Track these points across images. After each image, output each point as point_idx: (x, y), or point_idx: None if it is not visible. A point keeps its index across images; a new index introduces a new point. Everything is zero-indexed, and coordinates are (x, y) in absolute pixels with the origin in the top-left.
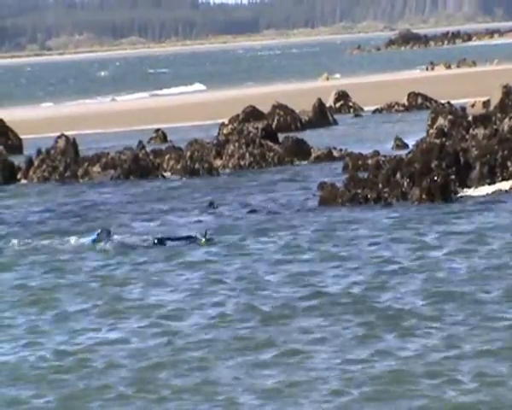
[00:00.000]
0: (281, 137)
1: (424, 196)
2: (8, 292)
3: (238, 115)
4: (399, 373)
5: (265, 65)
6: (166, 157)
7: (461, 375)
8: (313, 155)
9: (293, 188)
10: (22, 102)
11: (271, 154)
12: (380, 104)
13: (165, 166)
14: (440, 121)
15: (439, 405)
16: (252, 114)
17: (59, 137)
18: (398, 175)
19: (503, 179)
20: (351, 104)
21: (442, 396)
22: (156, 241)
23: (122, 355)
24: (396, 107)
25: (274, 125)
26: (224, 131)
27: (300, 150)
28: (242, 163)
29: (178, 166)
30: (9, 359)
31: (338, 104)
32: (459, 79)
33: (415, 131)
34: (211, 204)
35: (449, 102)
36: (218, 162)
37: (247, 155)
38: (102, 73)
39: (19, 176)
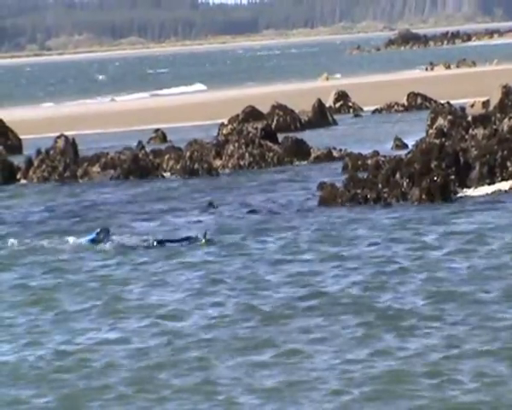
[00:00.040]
0: (280, 137)
1: (424, 196)
2: (7, 292)
3: (238, 115)
4: (399, 373)
5: (265, 65)
6: (166, 157)
7: (461, 375)
8: (313, 156)
9: (293, 188)
10: (22, 102)
11: (271, 154)
12: (379, 104)
13: (164, 166)
14: (440, 121)
15: (438, 405)
16: (251, 114)
17: (58, 137)
18: (397, 175)
19: (503, 179)
20: (350, 104)
21: (442, 396)
22: (156, 242)
23: (122, 355)
24: (396, 107)
25: (273, 126)
26: (224, 132)
27: (300, 150)
28: (242, 163)
29: (178, 167)
30: (9, 359)
31: (337, 104)
32: (459, 79)
33: (414, 132)
34: (210, 204)
35: (448, 103)
36: (217, 162)
37: (247, 155)
38: (100, 77)
39: (18, 176)
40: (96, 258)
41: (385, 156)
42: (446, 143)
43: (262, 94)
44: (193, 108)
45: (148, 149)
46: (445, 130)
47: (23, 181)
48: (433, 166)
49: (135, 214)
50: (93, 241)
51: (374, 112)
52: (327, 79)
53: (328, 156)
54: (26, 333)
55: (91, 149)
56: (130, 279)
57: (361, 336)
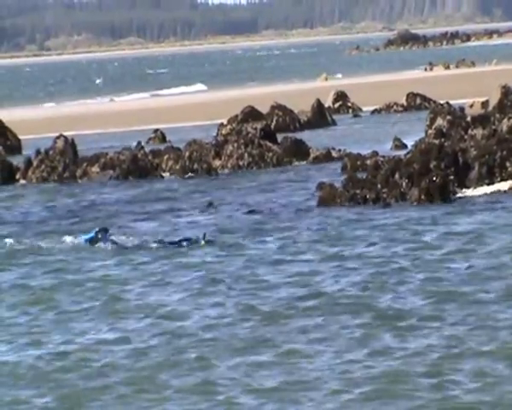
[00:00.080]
0: (279, 137)
1: (423, 197)
2: (7, 292)
3: (237, 116)
4: (399, 373)
5: (264, 65)
6: (165, 157)
7: (460, 375)
8: (312, 156)
9: (292, 188)
10: (22, 102)
11: (270, 154)
12: (378, 104)
13: (163, 166)
14: (439, 122)
15: (438, 405)
16: (250, 114)
17: (57, 137)
18: (396, 175)
19: (502, 180)
20: (349, 104)
21: (442, 396)
22: (155, 242)
23: (122, 355)
24: (395, 107)
25: (273, 126)
26: (223, 132)
27: (299, 151)
28: (241, 163)
29: (177, 167)
30: (9, 359)
31: (337, 104)
32: (458, 79)
33: (413, 132)
34: (210, 204)
35: (448, 103)
36: (216, 163)
37: (246, 155)
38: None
39: (17, 176)
40: (96, 258)
41: (384, 157)
42: (445, 144)
43: (262, 94)
44: (193, 108)
45: (147, 149)
46: (445, 130)
47: (22, 181)
48: (432, 166)
49: (134, 214)
50: (91, 240)
51: (373, 112)
52: (326, 79)
53: (327, 156)
54: (26, 333)
55: (91, 149)
56: (130, 279)
57: (361, 336)
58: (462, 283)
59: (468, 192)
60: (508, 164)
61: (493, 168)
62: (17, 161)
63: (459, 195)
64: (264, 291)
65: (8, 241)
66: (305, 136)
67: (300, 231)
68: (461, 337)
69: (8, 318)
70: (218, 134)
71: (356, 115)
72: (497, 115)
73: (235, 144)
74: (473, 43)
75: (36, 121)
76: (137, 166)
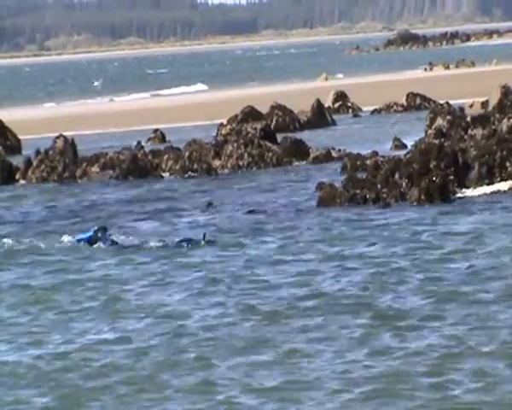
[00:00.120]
0: (279, 137)
1: (423, 197)
2: (6, 292)
3: (237, 116)
4: (399, 373)
5: (264, 65)
6: (165, 157)
7: (461, 374)
8: (312, 156)
9: (292, 188)
10: (22, 102)
11: (270, 154)
12: (378, 104)
13: (163, 166)
14: (439, 122)
15: (438, 405)
16: (250, 114)
17: (57, 137)
18: (396, 175)
19: (502, 180)
20: (349, 104)
21: (442, 396)
22: (155, 242)
23: (122, 355)
24: (395, 107)
25: (272, 126)
26: (223, 132)
27: (299, 151)
28: (241, 163)
29: (177, 167)
30: (9, 358)
31: (336, 104)
32: (458, 79)
33: (413, 132)
34: (209, 204)
35: (447, 103)
36: (216, 163)
37: (246, 155)
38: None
39: (17, 176)
40: (96, 258)
41: (384, 157)
42: (445, 144)
43: (263, 94)
44: (194, 108)
45: (147, 149)
46: (444, 130)
47: (22, 181)
48: (432, 166)
49: (134, 214)
50: (90, 239)
51: (373, 112)
52: (326, 79)
53: (327, 157)
54: (26, 333)
55: (91, 149)
56: (130, 279)
57: (361, 335)
58: (462, 283)
59: (468, 192)
60: (508, 164)
61: (493, 168)
62: (17, 161)
63: (459, 195)
64: (264, 291)
65: (8, 241)
66: (305, 136)
67: (300, 231)
68: (461, 337)
69: (8, 318)
70: (217, 134)
71: (356, 115)
72: (497, 115)
73: (235, 144)
74: (473, 43)
75: (36, 121)
76: (137, 166)
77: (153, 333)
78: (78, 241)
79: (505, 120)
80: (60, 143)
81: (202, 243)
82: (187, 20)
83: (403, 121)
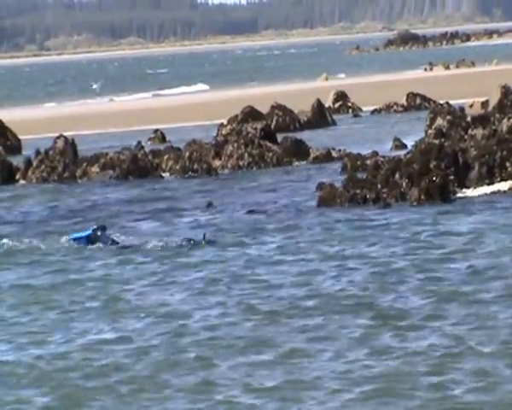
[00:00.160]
0: (279, 137)
1: (423, 197)
2: (6, 292)
3: (237, 116)
4: (400, 373)
5: (264, 65)
6: (165, 157)
7: (461, 374)
8: (312, 156)
9: (292, 188)
10: (22, 102)
11: (270, 154)
12: (378, 104)
13: (163, 166)
14: (439, 122)
15: (439, 404)
16: (250, 114)
17: (57, 137)
18: (396, 175)
19: (502, 180)
20: (349, 104)
21: (442, 396)
22: (154, 242)
23: (122, 355)
24: (395, 107)
25: (273, 126)
26: (223, 132)
27: (299, 151)
28: (241, 163)
29: (177, 167)
30: (10, 358)
31: (337, 104)
32: (458, 79)
33: (413, 132)
34: (209, 204)
35: (447, 103)
36: (216, 163)
37: (246, 155)
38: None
39: (17, 176)
40: (96, 257)
41: (384, 157)
42: (445, 144)
43: (263, 94)
44: (195, 108)
45: (147, 149)
46: (444, 130)
47: (22, 181)
48: (432, 166)
49: (134, 214)
50: (88, 238)
51: (373, 112)
52: (326, 79)
53: (327, 157)
54: (27, 333)
55: (92, 149)
56: (130, 279)
57: (361, 335)
58: (462, 282)
59: (468, 192)
60: (508, 164)
61: (493, 168)
62: (17, 161)
63: (459, 195)
64: (264, 291)
65: (9, 241)
66: (305, 136)
67: (301, 231)
68: (461, 337)
69: (8, 317)
70: (218, 134)
71: (356, 115)
72: (497, 115)
73: (235, 144)
74: (473, 43)
75: (36, 121)
76: (137, 166)
77: (153, 333)
78: (76, 239)
79: (505, 120)
80: (60, 143)
81: (202, 242)
82: (187, 20)
83: (403, 121)
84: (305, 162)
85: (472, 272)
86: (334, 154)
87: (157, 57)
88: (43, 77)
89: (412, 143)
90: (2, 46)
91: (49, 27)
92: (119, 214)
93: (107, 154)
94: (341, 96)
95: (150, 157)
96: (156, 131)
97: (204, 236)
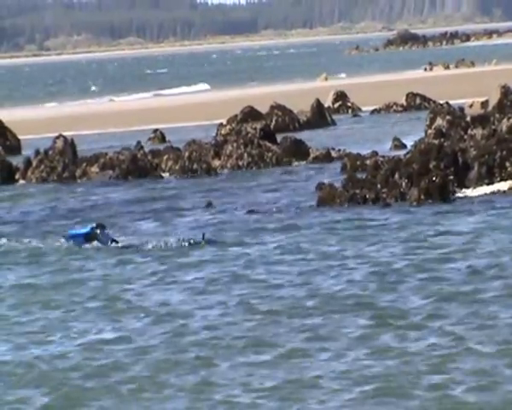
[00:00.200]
0: (279, 137)
1: (422, 197)
2: (7, 292)
3: (236, 116)
4: (400, 372)
5: (264, 65)
6: (165, 157)
7: (461, 374)
8: (311, 156)
9: (292, 188)
10: (22, 102)
11: (270, 154)
12: (378, 104)
13: (163, 166)
14: (439, 122)
15: (439, 404)
16: (250, 114)
17: (57, 137)
18: (396, 175)
19: (502, 180)
20: (349, 104)
21: (442, 395)
22: (154, 242)
23: (122, 355)
24: (394, 107)
25: (272, 126)
26: (223, 132)
27: (299, 151)
28: (241, 163)
29: (177, 167)
30: (10, 358)
31: (336, 104)
32: (457, 79)
33: (413, 132)
34: (209, 204)
35: (447, 103)
36: (216, 163)
37: (246, 155)
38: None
39: (17, 176)
40: (96, 257)
41: (384, 157)
42: (445, 144)
43: (263, 94)
44: (195, 108)
45: (146, 149)
46: (444, 130)
47: (22, 181)
48: (431, 166)
49: (134, 214)
50: (86, 235)
51: (372, 112)
52: (326, 79)
53: (326, 157)
54: (27, 332)
55: (91, 149)
56: (130, 279)
57: (361, 335)
58: (462, 282)
59: (468, 192)
60: (507, 164)
61: (493, 168)
62: (17, 161)
63: (459, 195)
64: (264, 291)
65: (8, 241)
66: (305, 136)
67: (300, 231)
68: (461, 337)
69: (8, 317)
70: (217, 134)
71: (355, 115)
72: (497, 115)
73: (235, 144)
74: (472, 43)
75: (36, 121)
76: (137, 166)
77: (153, 333)
78: (73, 236)
79: (505, 120)
80: (59, 143)
81: (202, 242)
82: (186, 20)
83: (402, 121)
84: (304, 162)
85: (472, 271)
86: (333, 154)
87: (156, 57)
88: (42, 77)
89: (412, 143)
90: (1, 46)
91: (48, 27)
92: (118, 214)
93: (106, 154)
94: (341, 96)
95: (150, 157)
96: (156, 131)
97: (203, 235)
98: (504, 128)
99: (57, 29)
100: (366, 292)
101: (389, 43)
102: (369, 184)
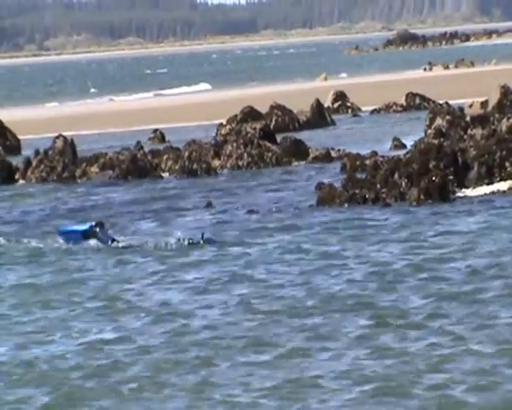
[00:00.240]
0: (279, 137)
1: (422, 197)
2: (7, 292)
3: (236, 116)
4: (400, 372)
5: (264, 65)
6: (164, 157)
7: (461, 374)
8: (311, 156)
9: (292, 188)
10: (22, 102)
11: (269, 154)
12: (378, 104)
13: (163, 166)
14: (438, 122)
15: (439, 403)
16: (250, 114)
17: (57, 137)
18: (396, 175)
19: (501, 180)
20: (349, 104)
21: (442, 395)
22: (154, 242)
23: (123, 355)
24: (394, 107)
25: (272, 126)
26: (222, 132)
27: (298, 151)
28: (240, 163)
29: (176, 167)
30: (10, 358)
31: (336, 104)
32: (457, 79)
33: (413, 132)
34: (209, 204)
35: (447, 103)
36: (216, 163)
37: (245, 155)
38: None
39: (17, 176)
40: (96, 257)
41: (383, 156)
42: (445, 144)
43: (262, 94)
44: (195, 108)
45: (146, 149)
46: (444, 130)
47: (21, 181)
48: (431, 166)
49: (134, 214)
50: (85, 232)
51: (372, 112)
52: (325, 79)
53: (326, 156)
54: (26, 332)
55: (91, 149)
56: (130, 279)
57: (361, 335)
58: (462, 282)
59: (468, 192)
60: (507, 164)
61: (492, 168)
62: (16, 161)
63: (458, 195)
64: (264, 291)
65: (8, 241)
66: (305, 136)
67: (300, 231)
68: (461, 336)
69: (8, 317)
70: (217, 134)
71: (355, 115)
72: (497, 115)
73: (235, 144)
74: (472, 43)
75: (36, 121)
76: (137, 166)
77: (153, 332)
78: (70, 232)
79: (504, 120)
80: (59, 143)
81: (201, 242)
82: (186, 20)
83: (402, 121)
84: (304, 162)
85: (471, 271)
86: (333, 154)
87: (156, 57)
88: (42, 77)
89: (411, 143)
90: (1, 46)
91: (48, 27)
92: (118, 214)
93: (106, 154)
94: (340, 96)
95: (149, 157)
96: (155, 131)
97: (202, 235)
98: (504, 128)
99: (57, 29)
100: (366, 292)
101: (389, 43)
102: (368, 184)
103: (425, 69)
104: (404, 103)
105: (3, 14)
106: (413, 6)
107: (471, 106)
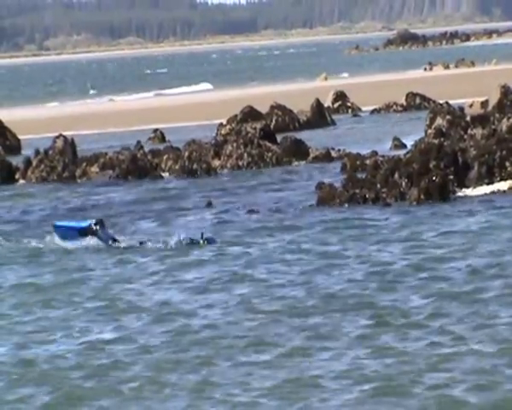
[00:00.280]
0: (279, 137)
1: (422, 197)
2: (7, 291)
3: (236, 116)
4: (400, 372)
5: (264, 65)
6: (165, 157)
7: (461, 373)
8: (311, 156)
9: (292, 188)
10: (22, 102)
11: (269, 154)
12: (378, 104)
13: (163, 166)
14: (439, 121)
15: (439, 403)
16: (250, 114)
17: (57, 137)
18: (396, 175)
19: (502, 179)
20: (349, 104)
21: (443, 394)
22: (155, 242)
23: (123, 354)
24: (394, 107)
25: (272, 126)
26: (223, 132)
27: (298, 151)
28: (240, 163)
29: (176, 167)
30: (10, 357)
31: (336, 104)
32: (457, 79)
33: (413, 132)
34: (209, 204)
35: (447, 103)
36: (216, 163)
37: (246, 155)
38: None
39: (17, 176)
40: (96, 257)
41: (383, 156)
42: (445, 143)
43: (263, 94)
44: (196, 108)
45: (146, 149)
46: (444, 130)
47: (21, 181)
48: (431, 166)
49: (134, 214)
50: (84, 230)
51: (372, 112)
52: (325, 79)
53: (326, 156)
54: (26, 332)
55: (92, 149)
56: (130, 278)
57: (361, 334)
58: (462, 282)
59: (468, 192)
60: (507, 164)
61: (493, 168)
62: (16, 160)
63: (459, 194)
64: (264, 290)
65: (8, 240)
66: (305, 136)
67: (300, 231)
68: (461, 336)
69: (8, 316)
70: (217, 134)
71: (355, 115)
72: (497, 115)
73: (235, 144)
74: (472, 42)
75: (36, 121)
76: (137, 166)
77: (153, 332)
78: (66, 228)
79: (505, 120)
80: (59, 142)
81: (201, 242)
82: (186, 19)
83: (402, 121)
84: (304, 162)
85: (472, 271)
86: (333, 153)
87: (156, 57)
88: (42, 77)
89: (412, 142)
90: (1, 46)
91: (48, 27)
92: (118, 214)
93: (106, 154)
94: (340, 96)
95: (150, 157)
96: (156, 130)
97: (202, 235)
98: (504, 128)
99: (57, 29)
100: (366, 292)
101: (389, 42)
102: (368, 184)
103: (425, 69)
104: (405, 103)
105: (3, 14)
106: (413, 6)
107: (471, 106)
